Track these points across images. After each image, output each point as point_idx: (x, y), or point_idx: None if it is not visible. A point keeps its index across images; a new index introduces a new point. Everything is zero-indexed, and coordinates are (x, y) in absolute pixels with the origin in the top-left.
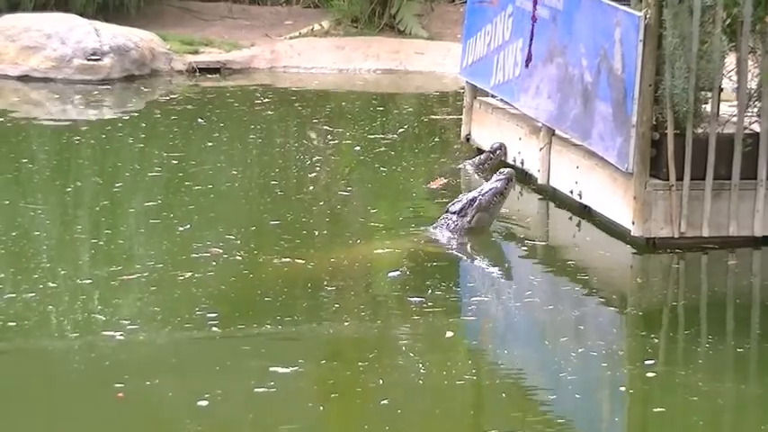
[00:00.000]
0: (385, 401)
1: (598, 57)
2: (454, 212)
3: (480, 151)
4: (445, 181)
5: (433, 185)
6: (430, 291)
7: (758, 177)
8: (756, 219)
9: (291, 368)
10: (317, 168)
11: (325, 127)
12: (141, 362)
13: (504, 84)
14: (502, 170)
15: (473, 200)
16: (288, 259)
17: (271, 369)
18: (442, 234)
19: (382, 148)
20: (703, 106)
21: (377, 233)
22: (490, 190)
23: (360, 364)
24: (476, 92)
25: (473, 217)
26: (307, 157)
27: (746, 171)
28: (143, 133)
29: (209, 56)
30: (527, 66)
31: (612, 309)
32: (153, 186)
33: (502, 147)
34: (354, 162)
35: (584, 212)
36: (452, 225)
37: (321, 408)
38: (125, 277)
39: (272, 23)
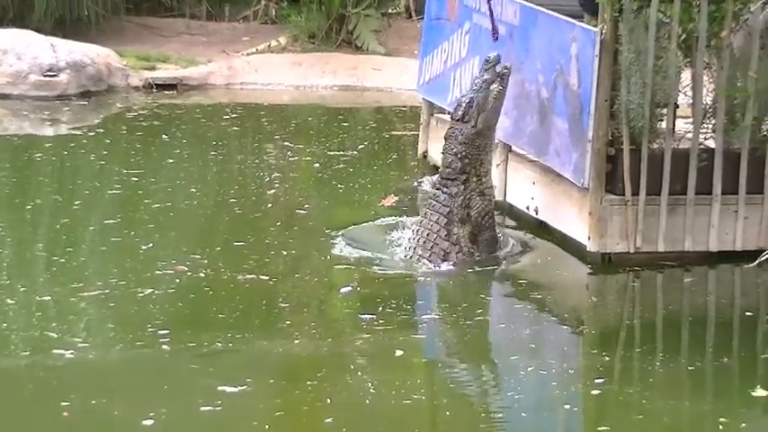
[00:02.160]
0: (329, 420)
1: (554, 72)
2: (458, 119)
3: (437, 168)
4: (396, 198)
5: (386, 203)
6: (381, 308)
7: (713, 192)
8: (711, 234)
9: (239, 387)
10: (276, 185)
11: (285, 143)
12: (89, 380)
13: None
14: (487, 57)
15: (470, 102)
16: (252, 276)
17: (218, 388)
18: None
19: (341, 165)
20: (659, 122)
21: (332, 252)
22: (483, 84)
23: (308, 382)
24: (432, 109)
25: (477, 120)
26: (265, 174)
27: (702, 186)
28: (101, 150)
29: (165, 72)
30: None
31: (565, 327)
32: (112, 204)
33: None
34: (313, 179)
35: (540, 228)
36: (460, 136)
37: (266, 426)
38: (85, 294)
39: (230, 40)
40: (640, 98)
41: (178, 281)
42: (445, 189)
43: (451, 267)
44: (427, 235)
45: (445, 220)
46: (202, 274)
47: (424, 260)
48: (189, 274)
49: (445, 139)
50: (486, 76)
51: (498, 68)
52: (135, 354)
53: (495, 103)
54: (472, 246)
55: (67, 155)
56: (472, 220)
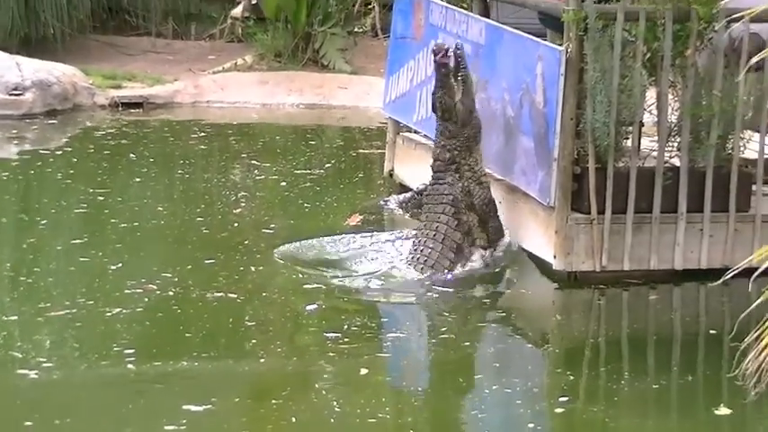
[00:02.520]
0: None
1: (520, 91)
2: (440, 118)
3: (403, 186)
4: (361, 217)
5: (351, 222)
6: (346, 326)
7: (678, 211)
8: (677, 252)
9: (204, 406)
10: (242, 205)
11: (251, 162)
12: (53, 400)
13: (426, 119)
14: (433, 49)
15: (442, 98)
16: (221, 294)
17: (183, 407)
18: None
19: (308, 184)
20: (624, 140)
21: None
22: (437, 82)
23: (273, 401)
24: (399, 127)
25: (455, 114)
26: (232, 193)
27: (667, 204)
28: (68, 169)
29: (131, 90)
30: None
31: (530, 345)
32: (79, 223)
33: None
34: (279, 198)
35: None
36: (447, 132)
37: None
38: (52, 314)
39: (196, 58)
40: (606, 117)
41: (147, 300)
42: (441, 181)
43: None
44: (437, 227)
45: (452, 209)
46: (171, 293)
47: (435, 255)
48: (158, 293)
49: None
50: (442, 70)
51: (450, 54)
52: (100, 373)
53: (464, 89)
54: (482, 233)
55: (33, 174)
56: (477, 209)
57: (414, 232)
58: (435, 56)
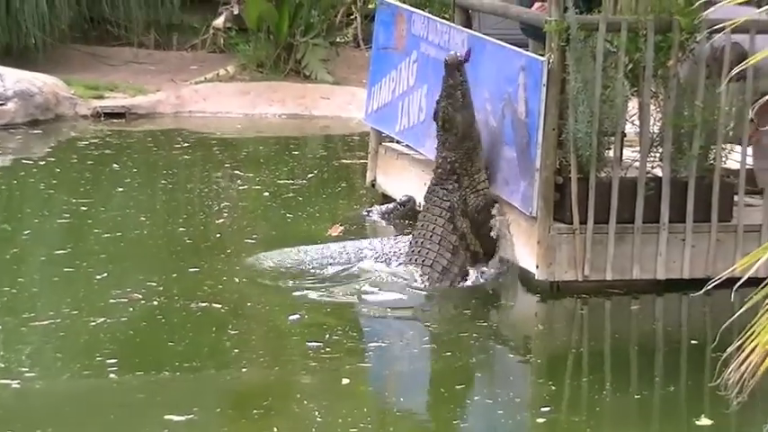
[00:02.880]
0: None
1: (502, 101)
2: (440, 129)
3: (386, 197)
4: (342, 228)
5: (333, 233)
6: (328, 335)
7: (661, 221)
8: (659, 262)
9: (186, 416)
10: (225, 215)
11: (234, 172)
12: (34, 410)
13: (409, 129)
14: (446, 59)
15: (445, 110)
16: (205, 304)
17: (165, 417)
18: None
19: (290, 194)
20: (606, 150)
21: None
22: (449, 90)
23: (255, 411)
24: (381, 137)
25: (456, 126)
26: (214, 203)
27: (649, 215)
28: (50, 179)
29: (113, 101)
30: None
31: (512, 355)
32: (62, 233)
33: (411, 200)
34: (261, 208)
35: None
36: (447, 143)
37: None
38: (36, 324)
39: (178, 68)
40: (588, 127)
41: (131, 309)
42: (441, 187)
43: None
44: (433, 229)
45: (448, 213)
46: (156, 303)
47: (432, 255)
48: (143, 302)
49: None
50: (450, 81)
51: (449, 61)
52: (82, 383)
53: (464, 102)
54: (476, 240)
55: (16, 184)
56: (469, 215)
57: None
58: (449, 68)
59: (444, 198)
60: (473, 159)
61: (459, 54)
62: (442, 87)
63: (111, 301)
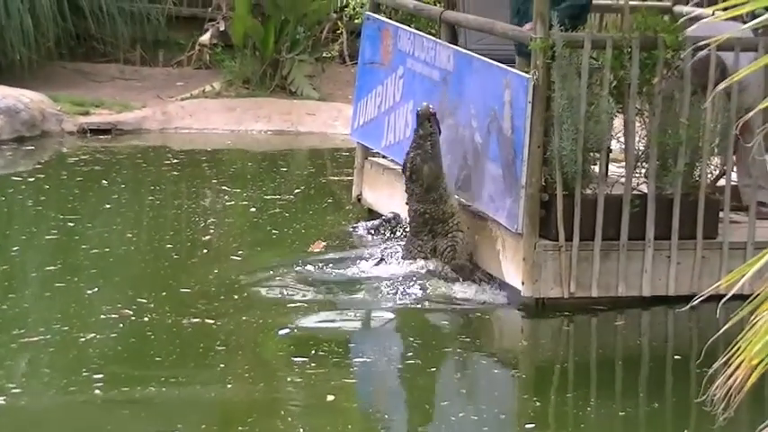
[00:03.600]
0: None
1: (488, 118)
2: (408, 180)
3: (372, 211)
4: (324, 244)
5: (314, 249)
6: (314, 350)
7: (646, 238)
8: (644, 279)
9: None
10: (211, 231)
11: (221, 188)
12: (19, 427)
13: (395, 145)
14: (418, 110)
15: (413, 161)
16: (197, 320)
17: None
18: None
19: (277, 210)
20: (591, 167)
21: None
22: (419, 140)
23: (239, 428)
24: (367, 153)
25: (423, 178)
26: (201, 219)
27: (635, 232)
28: (38, 195)
29: (99, 117)
30: None
31: (497, 371)
32: (51, 250)
33: (396, 217)
34: (248, 224)
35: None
36: (414, 196)
37: None
38: (26, 340)
39: (164, 85)
40: (573, 144)
41: (121, 325)
42: (417, 238)
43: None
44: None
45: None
46: (146, 318)
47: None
48: (133, 318)
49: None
50: (420, 131)
51: (420, 112)
52: (67, 399)
53: (432, 153)
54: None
55: (4, 201)
56: (439, 257)
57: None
58: (420, 119)
59: (419, 250)
60: (443, 209)
61: (431, 106)
62: (413, 138)
63: (102, 316)
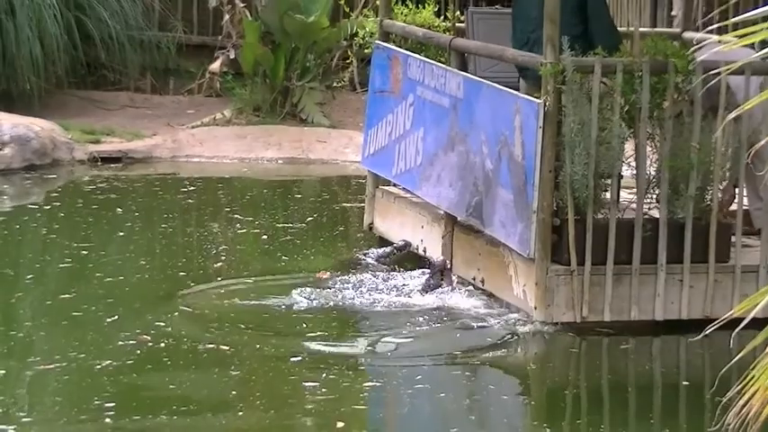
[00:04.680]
0: None
1: (498, 144)
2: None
3: (383, 240)
4: (329, 273)
5: (321, 276)
6: (324, 375)
7: (658, 262)
8: (657, 303)
9: None
10: (222, 258)
11: (233, 216)
12: None
13: (405, 173)
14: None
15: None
16: (212, 346)
17: None
18: None
19: (288, 237)
20: (603, 192)
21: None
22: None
23: None
24: (378, 181)
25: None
26: (213, 247)
27: (647, 256)
28: (50, 223)
29: (110, 145)
30: None
31: (507, 397)
32: (65, 278)
33: (407, 245)
34: (258, 252)
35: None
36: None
37: None
38: (41, 368)
39: (174, 113)
40: (584, 169)
41: (138, 352)
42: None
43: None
44: None
45: None
46: (163, 344)
47: None
48: (150, 344)
49: None
50: (431, 281)
51: (437, 263)
52: (76, 428)
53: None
54: None
55: (17, 229)
56: None
57: None
58: (433, 269)
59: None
60: None
61: (447, 261)
62: (423, 285)
63: (120, 343)
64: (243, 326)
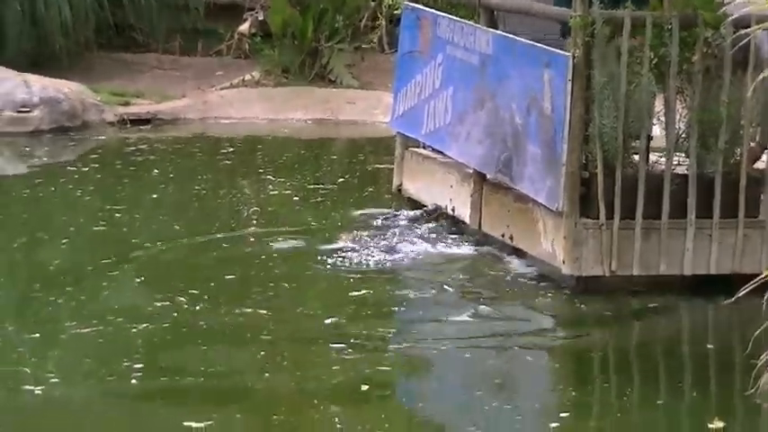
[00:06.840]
0: None
1: (528, 98)
2: None
3: (412, 201)
4: (352, 234)
5: (343, 237)
6: (353, 337)
7: (687, 216)
8: (686, 257)
9: (204, 422)
10: (254, 221)
11: (264, 177)
12: (51, 418)
13: (435, 132)
14: None
15: None
16: (250, 310)
17: (184, 423)
18: None
19: (319, 198)
20: (632, 145)
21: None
22: None
23: (274, 417)
24: (407, 142)
25: None
26: (245, 209)
27: (676, 210)
28: (82, 185)
29: (139, 107)
30: None
31: (534, 360)
32: (100, 241)
33: (438, 209)
34: (290, 213)
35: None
36: None
37: None
38: (76, 331)
39: (203, 74)
40: (614, 122)
41: (175, 314)
42: None
43: None
44: None
45: None
46: (198, 308)
47: None
48: (186, 307)
49: None
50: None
51: None
52: (103, 389)
53: None
54: None
55: (49, 191)
56: None
57: None
58: None
59: None
60: None
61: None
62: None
63: (157, 304)
64: (276, 289)
